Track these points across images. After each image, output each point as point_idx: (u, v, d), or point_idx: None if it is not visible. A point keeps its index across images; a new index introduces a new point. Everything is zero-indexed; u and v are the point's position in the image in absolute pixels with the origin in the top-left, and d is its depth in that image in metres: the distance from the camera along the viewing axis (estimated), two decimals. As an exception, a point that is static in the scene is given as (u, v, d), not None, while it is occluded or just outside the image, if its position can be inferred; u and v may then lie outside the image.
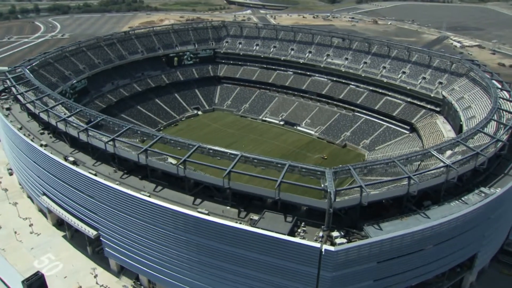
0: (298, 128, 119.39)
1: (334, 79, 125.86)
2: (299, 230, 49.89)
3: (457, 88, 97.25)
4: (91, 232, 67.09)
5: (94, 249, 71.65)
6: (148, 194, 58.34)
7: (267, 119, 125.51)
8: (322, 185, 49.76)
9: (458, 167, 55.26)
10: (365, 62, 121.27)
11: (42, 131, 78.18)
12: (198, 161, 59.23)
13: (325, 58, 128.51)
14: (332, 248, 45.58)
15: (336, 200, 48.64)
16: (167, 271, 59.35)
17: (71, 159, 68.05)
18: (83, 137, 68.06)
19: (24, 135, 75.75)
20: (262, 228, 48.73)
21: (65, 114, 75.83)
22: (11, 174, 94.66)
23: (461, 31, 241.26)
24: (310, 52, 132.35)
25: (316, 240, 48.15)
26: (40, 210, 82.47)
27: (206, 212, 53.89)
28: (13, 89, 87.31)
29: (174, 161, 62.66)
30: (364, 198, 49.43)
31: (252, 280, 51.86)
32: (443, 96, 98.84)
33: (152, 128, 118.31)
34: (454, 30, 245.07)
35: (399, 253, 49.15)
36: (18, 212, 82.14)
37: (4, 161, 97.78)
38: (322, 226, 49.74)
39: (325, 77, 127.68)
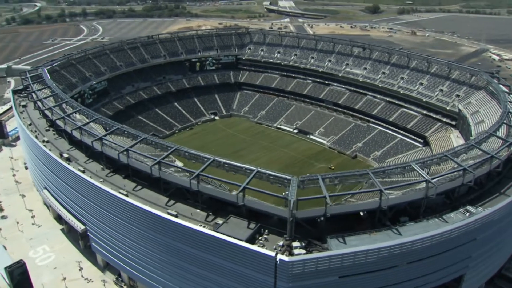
0: (311, 137, 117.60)
1: (352, 88, 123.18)
2: (260, 238, 48.93)
3: (474, 102, 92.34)
4: (79, 227, 69.35)
5: (85, 244, 73.66)
6: (125, 193, 59.43)
7: (281, 126, 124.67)
8: (283, 193, 48.56)
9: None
10: (383, 72, 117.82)
11: (47, 128, 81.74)
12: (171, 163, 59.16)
13: (344, 67, 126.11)
14: (286, 258, 44.31)
15: (298, 210, 47.27)
16: (143, 269, 60.07)
17: (65, 155, 70.77)
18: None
19: (31, 131, 79.64)
20: (221, 233, 48.23)
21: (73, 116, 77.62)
22: (26, 168, 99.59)
23: (503, 44, 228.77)
24: (329, 61, 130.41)
25: (275, 249, 47.04)
26: (45, 203, 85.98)
27: (175, 213, 54.23)
28: (33, 88, 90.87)
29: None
30: (329, 210, 47.72)
31: (215, 285, 51.39)
32: (459, 109, 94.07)
33: (166, 131, 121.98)
34: (496, 43, 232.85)
35: (365, 269, 46.88)
36: (24, 204, 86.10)
37: (22, 156, 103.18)
38: (285, 235, 48.51)
39: (343, 86, 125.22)
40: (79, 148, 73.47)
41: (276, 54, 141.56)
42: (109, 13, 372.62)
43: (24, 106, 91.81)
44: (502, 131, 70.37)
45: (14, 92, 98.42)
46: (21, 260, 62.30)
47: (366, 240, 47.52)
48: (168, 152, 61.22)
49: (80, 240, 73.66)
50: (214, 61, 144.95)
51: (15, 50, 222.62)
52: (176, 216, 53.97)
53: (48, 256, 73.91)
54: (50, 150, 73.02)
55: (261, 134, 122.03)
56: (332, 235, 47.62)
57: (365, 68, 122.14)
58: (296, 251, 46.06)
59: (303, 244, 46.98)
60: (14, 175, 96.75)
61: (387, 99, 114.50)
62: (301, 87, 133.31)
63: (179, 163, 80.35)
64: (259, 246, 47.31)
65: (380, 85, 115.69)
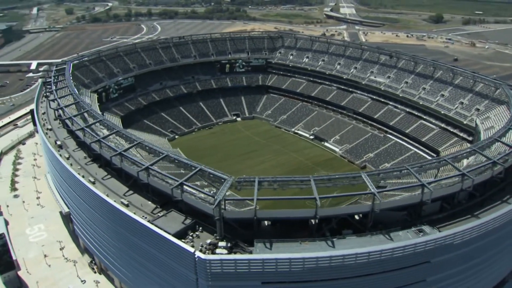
0: (326, 144, 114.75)
1: (375, 97, 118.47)
2: (192, 234, 49.08)
3: (492, 117, 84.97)
4: (64, 209, 74.00)
5: (73, 226, 78.27)
6: (93, 180, 62.36)
7: (299, 131, 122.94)
8: (212, 192, 48.34)
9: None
10: (406, 82, 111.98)
11: (55, 118, 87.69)
12: (132, 157, 60.73)
13: (368, 75, 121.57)
14: (203, 256, 44.24)
15: (229, 210, 46.88)
16: (106, 254, 62.81)
17: (58, 143, 75.76)
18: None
19: (40, 120, 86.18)
20: (154, 224, 49.09)
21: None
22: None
23: None
24: (355, 67, 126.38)
25: (201, 246, 47.03)
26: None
27: (127, 203, 56.04)
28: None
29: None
30: (259, 214, 46.73)
31: (154, 275, 52.48)
32: (476, 124, 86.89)
33: (185, 129, 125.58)
34: None
35: (290, 278, 45.28)
36: (36, 186, 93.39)
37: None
38: (215, 234, 48.29)
39: (366, 94, 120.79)
40: (72, 136, 77.81)
41: (304, 59, 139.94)
42: (171, 14, 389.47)
43: (45, 96, 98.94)
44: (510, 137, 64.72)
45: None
46: (2, 233, 67.73)
47: (294, 248, 45.87)
48: (133, 144, 62.81)
49: (70, 223, 78.46)
50: (244, 63, 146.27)
51: (76, 46, 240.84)
52: (127, 205, 55.81)
53: (40, 234, 79.69)
54: (49, 137, 78.85)
55: (277, 137, 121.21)
56: (260, 239, 46.45)
57: (388, 77, 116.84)
58: (218, 251, 45.59)
59: (229, 244, 46.30)
60: (35, 159, 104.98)
61: (407, 109, 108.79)
62: (325, 93, 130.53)
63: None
64: (187, 242, 47.50)
65: (401, 95, 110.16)
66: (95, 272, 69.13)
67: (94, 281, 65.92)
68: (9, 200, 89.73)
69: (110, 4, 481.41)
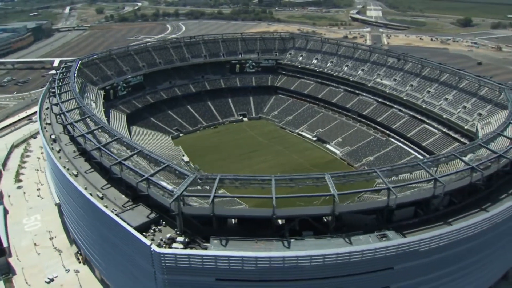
0: (327, 146, 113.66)
1: (380, 100, 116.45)
2: (154, 228, 49.92)
3: (493, 122, 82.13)
4: (56, 201, 76.71)
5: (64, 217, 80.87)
6: (76, 173, 64.38)
7: (302, 133, 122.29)
8: (171, 187, 48.98)
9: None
10: (411, 85, 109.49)
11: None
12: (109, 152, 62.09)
13: (374, 77, 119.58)
14: (157, 249, 44.96)
15: (188, 206, 47.48)
16: (86, 245, 64.78)
17: (53, 137, 78.48)
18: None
19: (41, 115, 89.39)
20: (119, 217, 50.24)
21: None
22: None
23: None
24: (362, 70, 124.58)
25: (161, 240, 47.80)
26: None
27: (101, 195, 57.58)
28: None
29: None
30: (216, 209, 47.07)
31: (121, 266, 53.76)
32: (477, 129, 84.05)
33: (191, 127, 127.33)
34: None
35: (244, 276, 45.34)
36: (38, 178, 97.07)
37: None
38: (176, 229, 48.95)
39: (372, 97, 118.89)
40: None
41: (313, 61, 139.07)
42: (197, 14, 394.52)
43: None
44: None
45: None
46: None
47: (250, 247, 45.89)
48: (113, 139, 64.32)
49: (63, 214, 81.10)
50: (254, 64, 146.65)
51: (100, 45, 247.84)
52: (101, 198, 57.39)
53: (35, 224, 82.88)
54: (46, 131, 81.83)
55: (280, 138, 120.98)
56: (217, 236, 46.76)
57: (394, 79, 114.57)
58: (175, 245, 46.23)
59: (187, 240, 46.86)
60: (41, 152, 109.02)
61: (411, 113, 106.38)
62: (331, 95, 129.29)
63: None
64: (148, 236, 48.37)
65: (405, 98, 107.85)
66: (79, 262, 71.21)
67: (74, 270, 67.79)
68: (12, 191, 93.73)
69: (139, 4, 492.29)
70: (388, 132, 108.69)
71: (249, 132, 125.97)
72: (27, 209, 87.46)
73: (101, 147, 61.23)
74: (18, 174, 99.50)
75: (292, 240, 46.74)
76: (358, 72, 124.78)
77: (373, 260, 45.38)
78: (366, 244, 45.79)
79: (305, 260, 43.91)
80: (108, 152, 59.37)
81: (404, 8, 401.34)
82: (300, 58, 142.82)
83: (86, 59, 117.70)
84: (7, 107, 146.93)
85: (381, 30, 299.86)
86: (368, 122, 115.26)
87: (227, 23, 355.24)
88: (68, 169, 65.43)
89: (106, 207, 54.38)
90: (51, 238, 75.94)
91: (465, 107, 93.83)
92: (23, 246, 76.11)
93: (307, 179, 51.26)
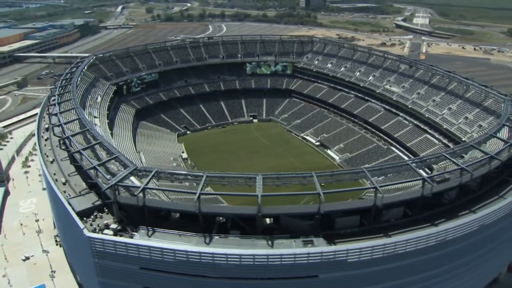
0: (328, 151, 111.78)
1: (387, 107, 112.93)
2: (97, 214, 51.98)
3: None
4: (44, 185, 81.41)
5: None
6: (52, 160, 68.30)
7: (306, 137, 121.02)
8: (100, 178, 50.84)
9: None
10: (418, 93, 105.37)
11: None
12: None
13: (384, 83, 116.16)
14: (87, 233, 46.89)
15: (122, 195, 49.15)
16: (58, 227, 68.31)
17: (46, 126, 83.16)
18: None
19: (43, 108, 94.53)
20: (68, 201, 52.87)
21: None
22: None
23: None
24: (374, 76, 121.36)
25: (98, 226, 49.73)
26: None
27: (64, 181, 60.92)
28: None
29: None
30: (148, 202, 48.33)
31: (74, 249, 56.66)
32: (472, 142, 79.40)
33: (199, 125, 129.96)
34: None
35: (164, 267, 46.10)
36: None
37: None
38: (113, 217, 50.75)
39: (380, 104, 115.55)
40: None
41: (328, 65, 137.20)
42: (242, 16, 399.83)
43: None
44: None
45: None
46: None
47: (173, 239, 46.69)
48: (84, 129, 67.34)
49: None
50: (269, 66, 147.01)
51: (141, 42, 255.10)
52: (64, 183, 60.53)
53: (30, 207, 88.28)
54: (44, 120, 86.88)
55: (283, 141, 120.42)
56: (145, 226, 47.99)
57: (403, 87, 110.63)
58: (106, 231, 47.97)
59: (119, 227, 48.47)
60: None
61: (415, 122, 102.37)
62: (341, 101, 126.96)
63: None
64: (88, 221, 50.45)
65: (409, 106, 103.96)
66: (57, 244, 75.09)
67: (49, 251, 71.67)
68: (18, 175, 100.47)
69: (188, 4, 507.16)
70: (390, 140, 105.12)
71: (254, 133, 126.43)
72: (26, 193, 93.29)
73: (70, 137, 64.28)
74: (27, 160, 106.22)
75: (216, 237, 46.92)
76: (369, 78, 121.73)
77: (294, 265, 44.49)
78: (287, 248, 45.00)
79: (221, 258, 43.94)
80: (74, 142, 62.31)
81: (455, 17, 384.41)
82: (316, 62, 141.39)
83: (101, 55, 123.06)
84: (38, 98, 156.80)
85: (423, 38, 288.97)
86: (373, 130, 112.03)
87: (269, 26, 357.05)
88: (47, 156, 69.40)
89: (65, 192, 57.34)
90: (36, 220, 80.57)
91: (466, 117, 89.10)
92: (13, 225, 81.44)
93: (239, 178, 51.06)
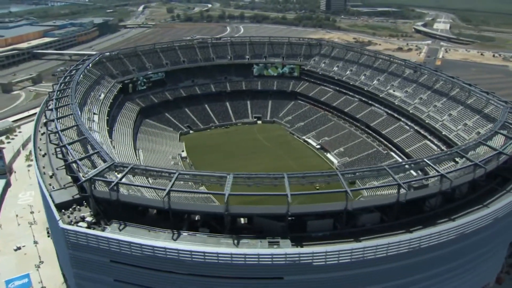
0: (327, 155, 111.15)
1: (390, 112, 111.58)
2: (75, 207, 53.10)
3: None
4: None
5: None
6: (44, 153, 70.13)
7: (308, 140, 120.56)
8: (81, 172, 51.81)
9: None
10: (420, 98, 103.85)
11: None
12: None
13: (388, 88, 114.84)
14: (61, 225, 48.02)
15: (98, 189, 50.20)
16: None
17: (44, 121, 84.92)
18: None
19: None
20: (49, 193, 54.30)
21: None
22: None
23: None
24: (378, 80, 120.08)
25: (75, 218, 50.84)
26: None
27: (51, 173, 62.50)
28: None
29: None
30: (121, 197, 49.21)
31: (55, 240, 57.84)
32: (467, 150, 77.72)
33: (202, 125, 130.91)
34: None
35: (133, 261, 46.52)
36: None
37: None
38: (90, 210, 51.80)
39: (383, 109, 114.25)
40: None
41: (334, 68, 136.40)
42: (260, 18, 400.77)
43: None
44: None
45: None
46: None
47: (142, 234, 47.32)
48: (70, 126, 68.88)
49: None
50: (276, 68, 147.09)
51: (157, 42, 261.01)
52: (51, 176, 62.13)
53: (28, 199, 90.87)
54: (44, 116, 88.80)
55: (284, 143, 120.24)
56: (117, 220, 48.80)
57: (406, 91, 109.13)
58: (80, 224, 49.00)
59: (93, 220, 49.46)
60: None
61: (416, 127, 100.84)
62: (346, 104, 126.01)
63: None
64: (65, 213, 51.59)
65: (411, 111, 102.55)
66: (48, 236, 76.92)
67: (34, 241, 73.53)
68: (21, 168, 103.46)
69: (209, 5, 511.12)
70: (390, 146, 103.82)
71: (257, 134, 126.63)
72: (27, 185, 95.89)
73: (59, 131, 65.86)
74: (31, 154, 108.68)
75: (185, 234, 47.29)
76: (374, 82, 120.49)
77: (259, 266, 44.43)
78: (251, 248, 45.03)
79: (186, 255, 44.29)
80: (61, 136, 63.82)
81: (477, 22, 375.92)
82: (323, 65, 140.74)
83: (108, 53, 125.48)
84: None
85: (442, 43, 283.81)
86: (374, 134, 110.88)
87: (287, 28, 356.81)
88: (40, 149, 71.29)
89: (50, 184, 58.89)
90: (31, 212, 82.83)
91: (466, 124, 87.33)
92: (10, 216, 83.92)
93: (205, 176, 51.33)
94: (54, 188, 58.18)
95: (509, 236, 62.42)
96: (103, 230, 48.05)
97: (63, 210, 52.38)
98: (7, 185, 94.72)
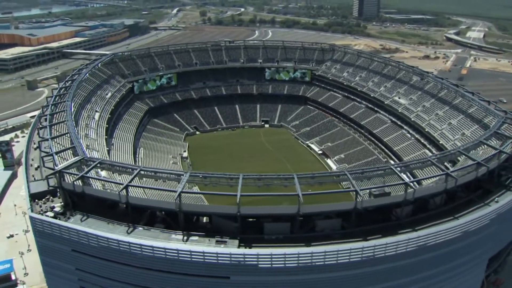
0: (328, 160, 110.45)
1: (394, 119, 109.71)
2: (48, 197, 55.68)
3: (480, 152, 72.74)
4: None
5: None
6: (35, 147, 73.70)
7: (311, 145, 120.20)
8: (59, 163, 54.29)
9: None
10: (423, 106, 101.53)
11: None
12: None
13: (393, 95, 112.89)
14: (29, 213, 50.78)
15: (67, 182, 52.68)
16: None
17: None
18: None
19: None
20: (28, 183, 57.47)
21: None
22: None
23: None
24: (385, 86, 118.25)
25: (46, 207, 53.40)
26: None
27: (37, 166, 65.62)
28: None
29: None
30: (86, 190, 51.49)
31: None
32: (461, 159, 75.62)
33: (209, 127, 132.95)
34: None
35: (90, 252, 48.21)
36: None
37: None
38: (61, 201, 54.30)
39: (387, 116, 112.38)
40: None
41: (344, 74, 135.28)
42: (291, 23, 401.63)
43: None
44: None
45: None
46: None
47: (101, 226, 49.14)
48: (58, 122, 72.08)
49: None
50: (288, 72, 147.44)
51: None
52: (36, 168, 65.24)
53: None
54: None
55: (287, 147, 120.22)
56: (81, 212, 50.90)
57: (410, 99, 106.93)
58: (47, 213, 51.44)
59: (60, 211, 51.82)
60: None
61: (417, 136, 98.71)
62: (352, 111, 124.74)
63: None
64: (37, 202, 54.23)
65: (412, 119, 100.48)
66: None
67: (25, 230, 77.23)
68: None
69: (243, 9, 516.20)
70: (390, 153, 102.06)
71: (261, 138, 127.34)
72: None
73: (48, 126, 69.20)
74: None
75: (140, 228, 48.65)
76: (380, 89, 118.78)
77: (204, 264, 45.07)
78: (199, 246, 45.78)
79: (136, 248, 45.67)
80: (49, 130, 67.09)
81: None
82: (334, 70, 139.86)
83: (120, 53, 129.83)
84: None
85: (472, 52, 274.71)
86: (376, 141, 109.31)
87: (316, 33, 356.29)
88: (34, 143, 75.03)
89: (33, 176, 62.00)
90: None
91: (463, 134, 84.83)
92: (10, 206, 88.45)
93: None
94: (35, 179, 61.18)
95: (487, 251, 60.01)
96: (67, 221, 50.16)
97: (36, 200, 55.02)
98: (13, 176, 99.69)
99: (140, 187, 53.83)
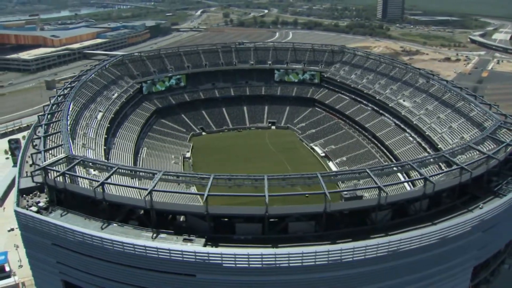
0: (329, 163, 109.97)
1: (397, 122, 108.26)
2: (36, 193, 58.11)
3: (475, 157, 71.54)
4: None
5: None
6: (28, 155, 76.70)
7: (315, 147, 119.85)
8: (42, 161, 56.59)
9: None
10: (426, 109, 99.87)
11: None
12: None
13: (398, 97, 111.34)
14: (15, 207, 53.27)
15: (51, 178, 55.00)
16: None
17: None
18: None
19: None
20: (19, 179, 60.26)
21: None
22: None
23: None
24: (391, 89, 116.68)
25: (33, 203, 55.80)
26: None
27: (31, 162, 68.17)
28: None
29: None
30: (68, 186, 53.57)
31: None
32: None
33: (216, 128, 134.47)
34: None
35: (68, 246, 50.03)
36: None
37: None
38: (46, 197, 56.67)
39: (391, 119, 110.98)
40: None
41: (352, 76, 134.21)
42: (312, 24, 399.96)
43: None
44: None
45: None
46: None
47: (79, 221, 51.02)
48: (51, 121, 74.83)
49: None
50: (297, 74, 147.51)
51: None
52: (31, 165, 67.84)
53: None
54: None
55: (290, 149, 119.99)
56: (62, 207, 53.01)
57: (414, 101, 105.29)
58: (32, 208, 53.84)
59: (44, 206, 54.12)
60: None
61: (418, 139, 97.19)
62: (358, 113, 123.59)
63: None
64: (25, 198, 56.77)
65: (414, 122, 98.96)
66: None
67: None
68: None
69: (266, 11, 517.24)
70: (391, 157, 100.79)
71: (266, 139, 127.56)
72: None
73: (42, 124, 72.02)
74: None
75: (114, 224, 50.24)
76: (386, 91, 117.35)
77: (170, 261, 45.94)
78: (166, 243, 46.89)
79: (107, 243, 47.26)
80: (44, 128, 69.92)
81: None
82: (342, 72, 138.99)
83: (130, 55, 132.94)
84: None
85: (496, 54, 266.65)
86: (379, 145, 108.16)
87: (336, 35, 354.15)
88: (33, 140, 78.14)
89: (26, 172, 64.80)
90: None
91: (462, 137, 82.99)
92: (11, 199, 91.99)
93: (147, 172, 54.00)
94: (27, 175, 63.88)
95: (470, 260, 58.66)
96: (48, 215, 52.33)
97: (24, 195, 57.58)
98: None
99: (116, 184, 55.54)
